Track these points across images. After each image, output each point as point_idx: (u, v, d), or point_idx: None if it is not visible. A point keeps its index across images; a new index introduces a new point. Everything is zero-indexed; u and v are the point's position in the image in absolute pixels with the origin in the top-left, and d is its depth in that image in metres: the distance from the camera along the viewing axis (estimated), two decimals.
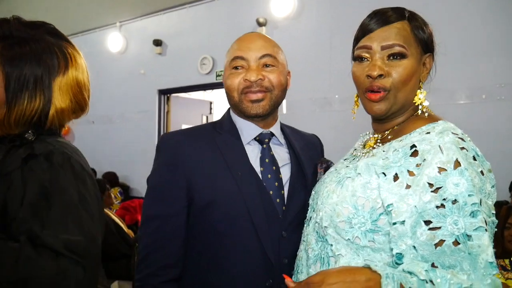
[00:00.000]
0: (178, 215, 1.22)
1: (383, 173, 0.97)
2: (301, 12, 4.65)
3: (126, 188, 5.87)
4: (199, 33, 5.46)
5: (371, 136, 1.19)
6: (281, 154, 1.35)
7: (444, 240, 0.86)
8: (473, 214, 0.86)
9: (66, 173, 0.91)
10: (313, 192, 1.22)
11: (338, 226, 1.00)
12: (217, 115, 6.67)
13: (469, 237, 0.85)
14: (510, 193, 3.36)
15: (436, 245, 0.86)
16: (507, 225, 2.54)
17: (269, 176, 1.27)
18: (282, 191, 1.28)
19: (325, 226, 1.03)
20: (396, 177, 0.95)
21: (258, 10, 4.87)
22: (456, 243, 0.86)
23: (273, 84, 1.27)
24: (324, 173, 1.30)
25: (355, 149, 1.24)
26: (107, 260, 2.91)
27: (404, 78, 1.03)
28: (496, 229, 0.96)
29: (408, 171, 0.94)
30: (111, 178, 5.51)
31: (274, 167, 1.30)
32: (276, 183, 1.28)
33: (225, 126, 1.34)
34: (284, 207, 1.26)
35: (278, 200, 1.26)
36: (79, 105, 1.06)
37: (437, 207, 0.88)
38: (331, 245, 1.02)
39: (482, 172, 0.93)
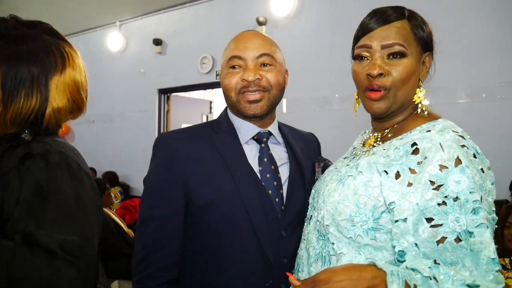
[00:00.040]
0: (176, 215, 1.21)
1: (385, 171, 0.98)
2: (301, 11, 4.65)
3: (126, 187, 5.88)
4: (199, 32, 5.45)
5: (370, 134, 1.19)
6: (279, 153, 1.34)
7: (446, 237, 0.87)
8: (474, 211, 0.87)
9: (62, 173, 0.90)
10: (313, 191, 1.22)
11: (340, 225, 1.01)
12: (217, 115, 6.64)
13: (471, 233, 0.86)
14: (511, 192, 3.36)
15: (438, 242, 0.87)
16: (507, 224, 2.54)
17: (267, 175, 1.26)
18: (281, 191, 1.27)
19: (326, 225, 1.04)
20: (397, 175, 0.96)
21: (258, 9, 4.87)
22: (458, 240, 0.86)
23: (271, 83, 1.26)
24: (322, 172, 1.30)
25: (355, 148, 1.24)
26: (107, 260, 2.91)
27: (404, 77, 1.04)
28: (496, 227, 0.97)
29: (409, 169, 0.95)
30: (111, 178, 5.51)
31: (272, 167, 1.28)
32: (275, 183, 1.27)
33: (223, 125, 1.33)
34: (283, 207, 1.25)
35: (277, 199, 1.25)
36: (76, 105, 1.05)
37: (439, 204, 0.88)
38: (333, 243, 1.02)
39: (482, 170, 0.94)
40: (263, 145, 1.31)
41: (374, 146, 1.12)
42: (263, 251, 1.19)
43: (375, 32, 1.05)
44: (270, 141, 1.34)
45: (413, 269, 0.85)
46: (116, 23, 6.41)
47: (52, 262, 0.83)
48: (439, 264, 0.87)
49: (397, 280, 0.81)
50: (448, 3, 3.76)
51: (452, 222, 0.87)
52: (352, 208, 0.99)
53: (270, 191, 1.25)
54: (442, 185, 0.89)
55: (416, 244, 0.89)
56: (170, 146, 1.25)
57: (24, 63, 0.95)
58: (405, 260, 0.90)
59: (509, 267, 2.08)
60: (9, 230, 0.85)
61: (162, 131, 5.86)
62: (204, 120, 6.60)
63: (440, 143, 0.93)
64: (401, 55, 1.03)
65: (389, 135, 1.10)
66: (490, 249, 0.85)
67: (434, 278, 0.83)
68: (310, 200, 1.22)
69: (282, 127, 1.42)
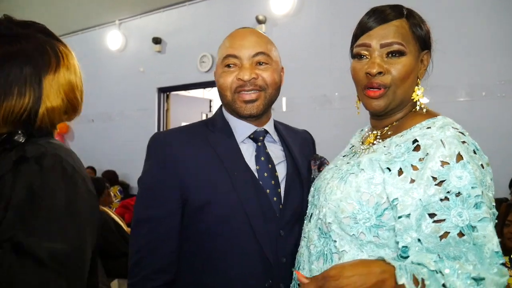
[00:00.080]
0: (171, 216, 1.18)
1: (388, 168, 0.99)
2: (301, 9, 4.64)
3: (125, 186, 5.88)
4: (198, 31, 5.45)
5: (369, 132, 1.20)
6: (276, 151, 1.33)
7: (449, 232, 0.88)
8: (477, 206, 0.88)
9: (56, 177, 0.88)
10: (312, 189, 1.22)
11: (342, 222, 1.01)
12: None
13: (473, 228, 0.87)
14: (510, 190, 3.37)
15: (441, 237, 0.88)
16: (507, 222, 2.54)
17: (265, 174, 1.25)
18: (279, 189, 1.26)
19: (329, 222, 1.04)
20: (400, 172, 0.97)
21: (257, 7, 4.87)
22: (460, 234, 0.87)
23: (267, 82, 1.24)
24: (318, 170, 1.31)
25: (353, 146, 1.25)
26: (107, 258, 2.92)
27: (403, 75, 1.05)
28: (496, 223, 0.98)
29: (411, 165, 0.96)
30: (111, 177, 5.51)
31: (270, 165, 1.27)
32: (273, 182, 1.25)
33: (218, 124, 1.31)
34: (281, 206, 1.24)
35: (275, 198, 1.24)
36: (71, 105, 1.03)
37: (441, 200, 0.89)
38: (335, 241, 1.03)
39: (482, 166, 0.95)
40: (259, 144, 1.29)
41: (374, 144, 1.12)
42: (262, 251, 1.17)
43: (374, 31, 1.06)
44: (266, 140, 1.32)
45: (419, 264, 0.86)
46: (115, 22, 6.40)
47: (41, 272, 0.81)
48: (442, 258, 0.88)
49: (405, 274, 0.82)
50: (448, 3, 3.76)
51: (454, 217, 0.88)
52: (354, 205, 1.00)
53: (268, 190, 1.23)
54: (444, 180, 0.90)
55: (419, 240, 0.90)
56: (165, 146, 1.22)
57: (17, 62, 0.94)
58: (408, 256, 0.90)
59: (509, 266, 2.08)
60: None
61: (161, 130, 5.85)
62: (204, 119, 6.59)
63: (441, 140, 0.94)
64: (400, 53, 1.04)
65: (389, 133, 1.11)
66: (493, 242, 0.87)
67: (440, 272, 0.84)
68: (310, 198, 1.22)
69: (277, 125, 1.41)
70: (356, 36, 1.12)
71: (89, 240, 0.93)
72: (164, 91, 6.03)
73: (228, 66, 1.25)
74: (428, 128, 1.01)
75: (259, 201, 1.20)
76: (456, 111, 3.60)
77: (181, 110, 6.26)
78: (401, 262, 0.87)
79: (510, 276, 2.18)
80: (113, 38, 6.41)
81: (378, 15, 1.07)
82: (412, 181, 0.94)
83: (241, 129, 1.29)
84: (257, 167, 1.25)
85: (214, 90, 6.73)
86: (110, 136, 6.48)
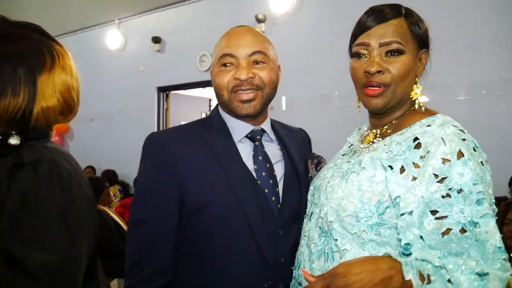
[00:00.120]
0: (169, 218, 1.17)
1: (390, 166, 0.99)
2: (300, 8, 4.64)
3: (125, 186, 5.87)
4: (198, 30, 5.45)
5: (369, 131, 1.20)
6: (273, 151, 1.32)
7: (451, 229, 0.89)
8: (478, 202, 0.89)
9: (51, 184, 0.86)
10: (311, 187, 1.22)
11: (344, 221, 1.02)
12: None
13: (476, 224, 0.88)
14: (510, 189, 3.37)
15: (443, 234, 0.89)
16: (506, 220, 2.54)
17: (263, 174, 1.24)
18: (277, 189, 1.25)
19: (330, 221, 1.04)
20: (402, 170, 0.97)
21: (257, 6, 4.86)
22: (462, 231, 0.88)
23: (264, 82, 1.23)
24: (315, 169, 1.31)
25: (352, 145, 1.25)
26: (107, 258, 2.91)
27: (402, 73, 1.06)
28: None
29: (413, 163, 0.97)
30: (111, 176, 5.51)
31: (268, 165, 1.26)
32: (271, 181, 1.24)
33: (215, 124, 1.29)
34: (279, 205, 1.23)
35: (273, 198, 1.23)
36: (67, 105, 1.02)
37: (443, 196, 0.90)
38: (336, 239, 1.03)
39: (482, 163, 0.96)
40: (257, 143, 1.28)
41: (374, 143, 1.13)
42: (261, 251, 1.16)
43: (373, 30, 1.07)
44: (264, 139, 1.31)
45: (423, 260, 0.87)
46: (115, 21, 6.40)
47: (33, 285, 0.80)
48: (446, 255, 0.89)
49: (411, 270, 0.83)
50: (448, 2, 3.75)
51: (456, 214, 0.89)
52: (356, 204, 1.00)
53: (266, 190, 1.22)
54: (445, 177, 0.91)
55: (421, 237, 0.91)
56: (162, 146, 1.20)
57: (11, 61, 0.93)
58: (410, 254, 0.91)
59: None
60: None
61: (161, 129, 5.85)
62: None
63: (441, 137, 0.95)
64: (399, 52, 1.05)
65: (389, 131, 1.12)
66: (496, 238, 0.88)
67: (445, 267, 0.85)
68: (309, 197, 1.22)
69: (274, 124, 1.39)
70: (355, 35, 1.12)
71: (85, 248, 0.92)
72: (164, 91, 6.03)
73: (225, 65, 1.23)
74: (428, 126, 1.02)
75: (257, 201, 1.19)
76: (456, 109, 3.60)
77: (181, 110, 6.27)
78: (407, 259, 0.87)
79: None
80: (112, 38, 6.40)
81: (377, 14, 1.08)
82: (414, 178, 0.95)
83: (238, 129, 1.28)
84: (255, 166, 1.24)
85: None
86: (110, 136, 6.48)
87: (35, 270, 0.80)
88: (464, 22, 3.68)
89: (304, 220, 1.22)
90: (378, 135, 1.14)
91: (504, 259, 0.88)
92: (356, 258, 0.90)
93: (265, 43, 1.26)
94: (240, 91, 1.22)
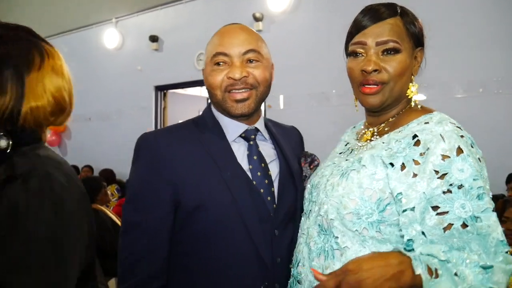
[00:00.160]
0: (164, 220, 1.14)
1: (391, 163, 1.00)
2: (298, 6, 4.64)
3: (123, 185, 5.86)
4: (195, 29, 5.44)
5: (366, 130, 1.21)
6: (267, 150, 1.30)
7: (452, 224, 0.90)
8: (479, 197, 0.91)
9: (41, 201, 0.83)
10: (308, 186, 1.22)
11: (345, 218, 1.02)
12: None
13: (477, 218, 0.89)
14: (507, 186, 3.38)
15: (445, 229, 0.90)
16: (503, 218, 2.55)
17: (258, 173, 1.22)
18: (272, 189, 1.23)
19: (331, 219, 1.05)
20: (403, 167, 0.98)
21: (254, 4, 4.86)
22: (464, 225, 0.90)
23: (258, 80, 1.21)
24: (309, 167, 1.31)
25: (348, 143, 1.25)
26: (104, 258, 2.91)
27: (399, 72, 1.07)
28: None
29: (413, 160, 0.98)
30: (108, 175, 5.50)
31: (263, 164, 1.24)
32: (266, 181, 1.22)
33: (208, 123, 1.27)
34: (275, 205, 1.22)
35: (269, 198, 1.21)
36: (57, 106, 0.99)
37: (444, 192, 0.92)
38: (337, 237, 1.04)
39: (479, 159, 0.97)
40: (251, 142, 1.26)
41: (372, 140, 1.13)
42: (258, 252, 1.15)
43: (369, 29, 1.08)
44: (258, 138, 1.29)
45: (428, 255, 0.88)
46: (112, 20, 6.38)
47: None
48: (451, 249, 0.90)
49: (420, 264, 0.84)
50: (446, 0, 3.76)
51: (458, 209, 0.90)
52: (357, 201, 1.01)
53: (261, 190, 1.21)
54: (446, 174, 0.92)
55: (423, 233, 0.92)
56: (155, 147, 1.17)
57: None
58: (413, 249, 0.92)
59: None
60: None
61: (159, 128, 5.84)
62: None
63: (440, 134, 0.97)
64: (395, 51, 1.06)
65: (386, 129, 1.13)
66: (498, 231, 0.89)
67: (450, 261, 0.86)
68: (307, 195, 1.22)
69: (267, 123, 1.37)
70: (351, 34, 1.13)
71: (76, 266, 0.89)
72: (161, 89, 6.02)
73: (218, 64, 1.21)
74: (426, 123, 1.03)
75: (253, 202, 1.17)
76: (453, 107, 3.61)
77: (178, 108, 6.26)
78: (415, 253, 0.88)
79: None
80: (110, 37, 6.39)
81: (373, 14, 1.09)
82: (415, 175, 0.96)
83: (232, 128, 1.25)
84: (250, 166, 1.22)
85: None
86: (108, 135, 6.47)
87: None
88: (462, 21, 3.69)
89: (302, 218, 1.22)
90: (375, 133, 1.15)
91: (506, 252, 0.89)
92: (366, 254, 0.90)
93: (258, 41, 1.24)
94: (234, 91, 1.20)
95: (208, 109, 1.33)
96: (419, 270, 0.83)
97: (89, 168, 6.20)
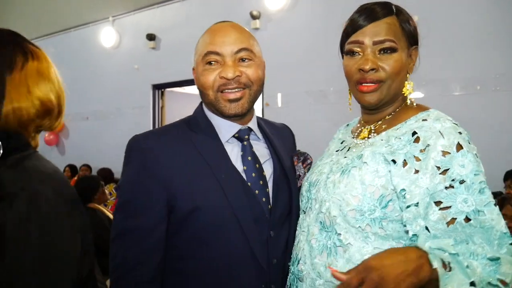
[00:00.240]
0: (158, 225, 1.11)
1: (393, 160, 1.01)
2: (295, 4, 4.63)
3: None
4: (193, 27, 5.40)
5: (362, 128, 1.21)
6: (261, 150, 1.27)
7: (456, 218, 0.92)
8: (481, 191, 0.93)
9: (27, 225, 0.80)
10: (306, 183, 1.22)
11: (348, 215, 1.03)
12: None
13: (480, 212, 0.91)
14: (505, 184, 3.38)
15: (448, 223, 0.92)
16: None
17: (253, 174, 1.20)
18: (267, 189, 1.21)
19: (333, 216, 1.05)
20: (405, 163, 1.00)
21: (251, 2, 4.85)
22: (467, 219, 0.92)
23: (252, 79, 1.18)
24: (303, 166, 1.31)
25: (344, 141, 1.26)
26: (102, 257, 2.90)
27: (397, 70, 1.08)
28: None
29: (414, 156, 0.99)
30: (106, 175, 5.49)
31: (257, 165, 1.22)
32: (261, 182, 1.20)
33: (201, 124, 1.24)
34: (270, 206, 1.20)
35: (264, 199, 1.19)
36: (43, 107, 0.96)
37: (446, 188, 0.94)
38: (340, 234, 1.04)
39: (476, 155, 0.99)
40: (245, 142, 1.24)
41: (369, 138, 1.14)
42: (254, 255, 1.13)
43: (366, 28, 1.09)
44: (251, 138, 1.27)
45: (438, 249, 0.88)
46: (109, 19, 6.36)
47: None
48: (458, 243, 0.91)
49: (435, 258, 0.84)
50: None
51: (460, 204, 0.92)
52: (360, 198, 1.02)
53: (256, 191, 1.19)
54: (448, 169, 0.94)
55: (426, 228, 0.93)
56: (147, 149, 1.14)
57: None
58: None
59: None
60: None
61: (157, 127, 5.83)
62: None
63: (439, 131, 0.98)
64: (392, 50, 1.08)
65: (383, 126, 1.14)
66: (501, 224, 0.92)
67: (460, 254, 0.88)
68: (304, 193, 1.21)
69: (259, 122, 1.35)
70: (347, 33, 1.14)
71: (68, 284, 0.86)
72: (159, 88, 6.01)
73: (209, 63, 1.18)
74: (424, 120, 1.04)
75: (249, 203, 1.15)
76: (451, 104, 3.61)
77: (176, 107, 6.24)
78: (428, 248, 0.89)
79: None
80: (106, 35, 6.37)
81: (369, 13, 1.10)
82: (416, 171, 0.97)
83: (225, 129, 1.23)
84: (244, 167, 1.20)
85: None
86: (105, 134, 6.46)
87: None
88: (459, 18, 3.69)
89: (300, 216, 1.22)
90: (372, 131, 1.16)
91: (510, 244, 0.91)
92: (383, 251, 0.90)
93: (250, 40, 1.22)
94: (226, 90, 1.17)
95: (199, 109, 1.29)
96: (435, 263, 0.83)
97: (87, 167, 6.19)
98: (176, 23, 5.65)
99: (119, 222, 1.13)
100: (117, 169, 5.99)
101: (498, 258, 0.88)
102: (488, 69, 3.59)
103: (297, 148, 1.45)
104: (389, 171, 1.00)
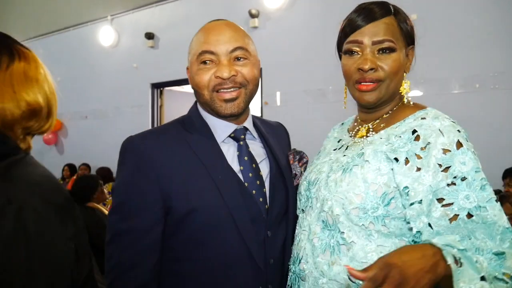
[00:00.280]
0: (155, 227, 1.10)
1: (395, 158, 1.02)
2: (294, 2, 4.62)
3: None
4: (191, 25, 5.36)
5: (359, 126, 1.22)
6: (257, 149, 1.26)
7: (458, 215, 0.93)
8: (482, 188, 0.95)
9: (15, 245, 0.78)
10: (305, 182, 1.21)
11: (351, 213, 1.04)
12: None
13: (482, 208, 0.93)
14: (503, 182, 3.39)
15: (451, 220, 0.94)
16: None
17: (250, 174, 1.19)
18: (264, 189, 1.20)
19: (336, 214, 1.06)
20: (407, 161, 1.01)
21: (250, 1, 4.84)
22: (469, 216, 0.93)
23: (247, 79, 1.17)
24: (299, 165, 1.31)
25: (341, 140, 1.26)
26: (102, 256, 2.90)
27: (395, 69, 1.09)
28: None
29: (415, 154, 1.00)
30: (105, 174, 5.49)
31: (253, 165, 1.21)
32: (258, 182, 1.19)
33: (196, 124, 1.22)
34: (267, 206, 1.19)
35: (261, 199, 1.18)
36: (29, 108, 0.93)
37: (448, 185, 0.95)
38: (343, 232, 1.05)
39: (474, 152, 1.00)
40: (241, 142, 1.23)
41: (368, 136, 1.15)
42: (251, 256, 1.13)
43: (365, 28, 1.10)
44: (247, 138, 1.25)
45: (446, 245, 0.89)
46: (107, 17, 6.35)
47: None
48: (464, 239, 0.93)
49: (448, 254, 0.85)
50: None
51: (462, 200, 0.94)
52: (362, 196, 1.03)
53: (253, 191, 1.18)
54: (449, 167, 0.96)
55: (429, 224, 0.95)
56: (143, 150, 1.12)
57: None
58: (421, 241, 0.95)
59: None
60: None
61: (156, 126, 5.83)
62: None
63: (439, 129, 1.00)
64: (390, 50, 1.09)
65: (382, 125, 1.15)
66: (504, 219, 0.93)
67: (467, 250, 0.89)
68: (303, 192, 1.21)
69: (255, 121, 1.33)
70: (345, 33, 1.14)
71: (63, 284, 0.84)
72: (158, 87, 6.00)
73: (204, 62, 1.16)
74: (422, 118, 1.05)
75: (245, 204, 1.14)
76: (450, 103, 3.61)
77: (175, 106, 6.23)
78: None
79: None
80: (105, 34, 6.36)
81: (368, 13, 1.10)
82: (418, 169, 0.98)
83: (221, 129, 1.21)
84: (241, 167, 1.19)
85: None
86: (104, 133, 6.45)
87: None
88: (458, 16, 3.69)
89: (300, 215, 1.22)
90: (371, 129, 1.17)
91: None
92: (399, 248, 0.90)
93: (245, 38, 1.20)
94: (222, 90, 1.16)
95: (194, 108, 1.28)
96: (449, 259, 0.84)
97: (86, 166, 6.18)
98: (175, 21, 5.64)
99: (114, 223, 1.12)
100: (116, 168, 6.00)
101: (503, 253, 0.89)
102: (486, 68, 3.59)
103: (296, 147, 1.44)
104: (392, 169, 1.01)
